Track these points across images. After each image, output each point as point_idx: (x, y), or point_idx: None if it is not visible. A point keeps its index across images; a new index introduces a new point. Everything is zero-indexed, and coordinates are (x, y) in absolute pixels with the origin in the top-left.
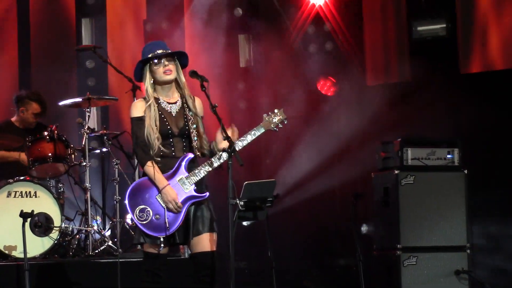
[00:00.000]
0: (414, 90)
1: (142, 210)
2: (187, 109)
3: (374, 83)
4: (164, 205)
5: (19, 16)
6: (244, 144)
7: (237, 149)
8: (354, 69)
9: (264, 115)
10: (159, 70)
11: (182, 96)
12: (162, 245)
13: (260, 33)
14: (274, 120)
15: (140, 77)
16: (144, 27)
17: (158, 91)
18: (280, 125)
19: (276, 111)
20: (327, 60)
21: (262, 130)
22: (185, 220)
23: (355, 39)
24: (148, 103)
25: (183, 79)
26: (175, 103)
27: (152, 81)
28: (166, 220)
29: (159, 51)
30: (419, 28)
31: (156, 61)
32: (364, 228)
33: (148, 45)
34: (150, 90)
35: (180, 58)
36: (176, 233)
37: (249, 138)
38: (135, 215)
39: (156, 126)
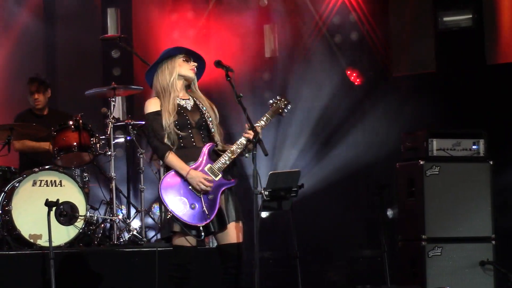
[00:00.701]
0: (440, 81)
1: (178, 201)
2: (201, 105)
3: (399, 74)
4: (198, 194)
5: (45, 6)
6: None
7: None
8: (380, 60)
9: (270, 101)
10: (186, 66)
11: (192, 97)
12: (202, 233)
13: (286, 23)
14: (280, 106)
15: (152, 76)
16: (170, 17)
17: (177, 87)
18: (286, 110)
19: (278, 97)
20: (352, 50)
21: (269, 117)
22: (218, 209)
23: (381, 30)
24: (171, 98)
25: (196, 83)
26: (188, 99)
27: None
28: (205, 207)
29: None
30: (445, 19)
31: (183, 58)
32: (390, 213)
33: (169, 48)
34: (177, 83)
35: (198, 69)
36: (210, 223)
37: (262, 123)
38: (171, 207)
39: (174, 115)
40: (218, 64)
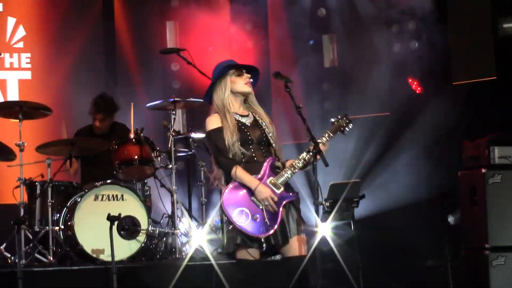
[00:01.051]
0: (500, 88)
1: (240, 212)
2: (260, 120)
3: (459, 81)
4: (261, 205)
5: (105, 18)
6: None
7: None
8: (439, 68)
9: (332, 119)
10: (240, 81)
11: (252, 112)
12: (264, 244)
13: (345, 33)
14: (342, 123)
15: (210, 94)
16: (228, 29)
17: (233, 103)
18: (348, 129)
19: (340, 116)
20: (412, 59)
21: (331, 134)
22: (280, 221)
23: (440, 37)
24: (228, 113)
25: (253, 96)
26: (247, 115)
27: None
28: (266, 217)
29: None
30: (505, 25)
31: (236, 72)
32: (451, 219)
33: (221, 63)
34: (231, 99)
35: (253, 78)
36: (272, 236)
37: (324, 140)
38: (233, 218)
39: (236, 133)
40: (277, 75)
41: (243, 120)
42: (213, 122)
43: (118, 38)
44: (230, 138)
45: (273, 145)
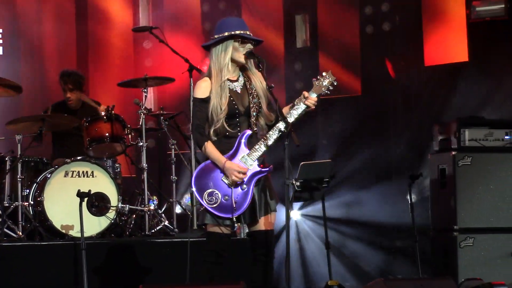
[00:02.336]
0: (472, 71)
1: (210, 194)
2: (250, 86)
3: (431, 64)
4: (231, 186)
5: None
6: (300, 112)
7: (296, 115)
8: (411, 50)
9: (313, 80)
10: (241, 51)
11: (242, 74)
12: (235, 225)
13: (317, 14)
14: (324, 83)
15: (213, 46)
16: (201, 7)
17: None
18: (331, 87)
19: (324, 74)
20: (384, 41)
21: (314, 95)
22: (250, 201)
23: (413, 19)
24: (223, 81)
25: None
26: (237, 80)
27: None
28: (234, 202)
29: (247, 32)
30: (478, 9)
31: (241, 42)
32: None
33: (232, 20)
34: (229, 68)
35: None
36: (241, 215)
37: (302, 106)
38: (204, 200)
39: (224, 106)
40: (250, 54)
41: (233, 86)
42: (202, 89)
43: (90, 15)
44: (217, 112)
45: (254, 114)
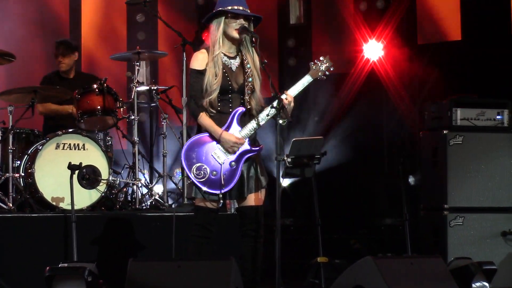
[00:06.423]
0: (465, 50)
1: (199, 168)
2: (247, 65)
3: (424, 42)
4: (220, 162)
5: None
6: (295, 93)
7: (289, 97)
8: (404, 28)
9: (311, 64)
10: (233, 26)
11: (241, 52)
12: (221, 200)
13: None
14: (321, 68)
15: (208, 21)
16: None
17: (223, 45)
18: (327, 73)
19: (322, 58)
20: (378, 19)
21: (310, 79)
22: (239, 178)
23: None
24: (215, 55)
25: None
26: (234, 58)
27: (222, 34)
28: (222, 177)
29: (240, 8)
30: None
31: (233, 18)
32: (411, 180)
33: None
34: (220, 43)
35: (254, 20)
36: (228, 192)
37: (298, 87)
38: (192, 173)
39: (217, 80)
40: (244, 29)
41: (229, 62)
42: (198, 61)
43: None
44: (211, 84)
45: (248, 92)
